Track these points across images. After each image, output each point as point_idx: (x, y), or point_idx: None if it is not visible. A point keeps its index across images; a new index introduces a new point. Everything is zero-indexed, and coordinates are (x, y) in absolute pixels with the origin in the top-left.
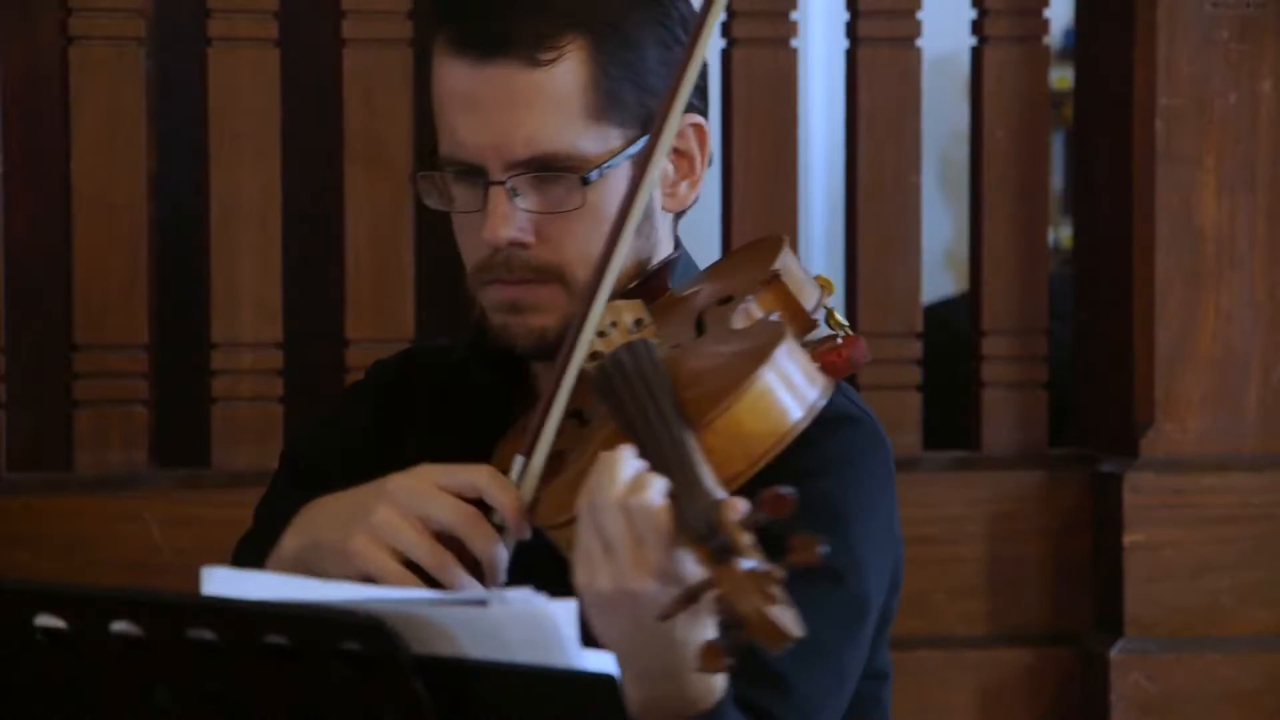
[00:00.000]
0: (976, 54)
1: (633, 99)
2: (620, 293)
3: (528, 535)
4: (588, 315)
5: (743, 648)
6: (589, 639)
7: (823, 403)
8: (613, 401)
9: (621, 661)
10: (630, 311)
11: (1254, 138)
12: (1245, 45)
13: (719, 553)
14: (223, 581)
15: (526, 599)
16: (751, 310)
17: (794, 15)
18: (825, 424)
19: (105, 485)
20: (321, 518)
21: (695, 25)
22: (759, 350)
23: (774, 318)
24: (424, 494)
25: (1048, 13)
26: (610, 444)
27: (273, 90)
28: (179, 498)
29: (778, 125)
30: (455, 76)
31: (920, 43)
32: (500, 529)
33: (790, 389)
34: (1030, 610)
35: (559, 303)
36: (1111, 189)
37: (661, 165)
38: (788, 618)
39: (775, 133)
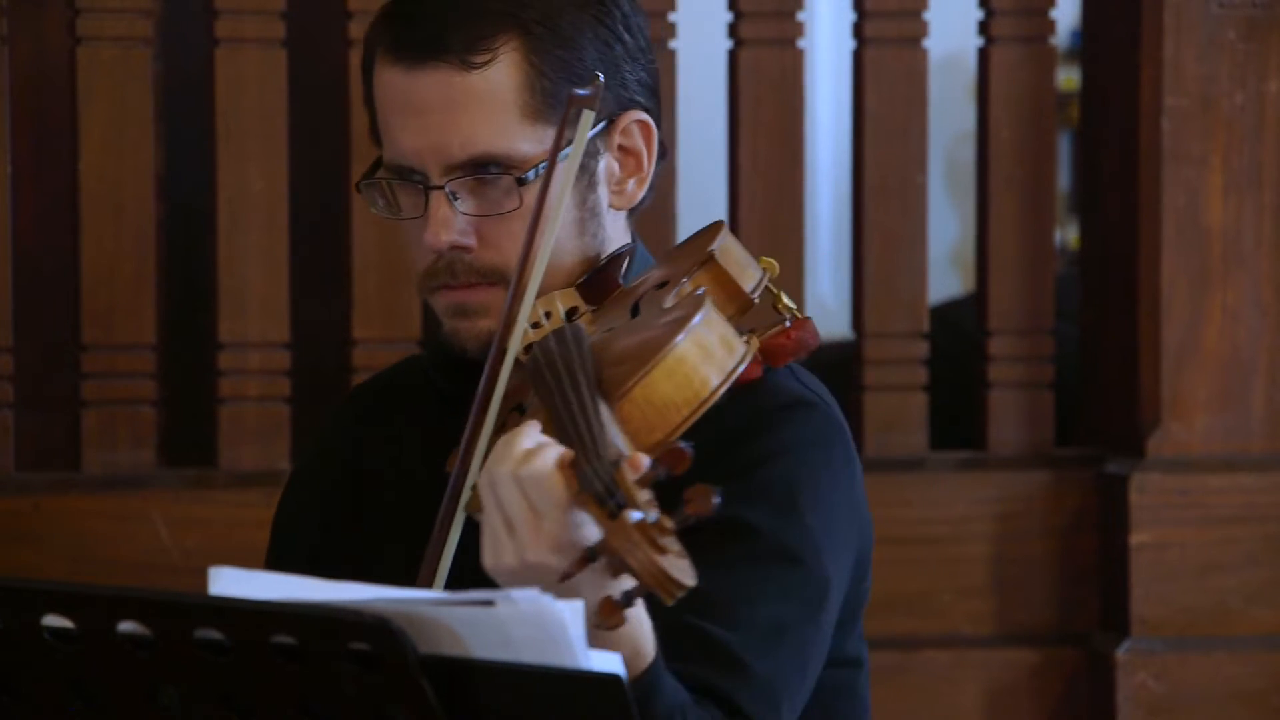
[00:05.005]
0: (983, 54)
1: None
2: (562, 288)
3: None
4: (515, 311)
5: (636, 600)
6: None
7: (742, 369)
8: (540, 387)
9: None
10: (563, 301)
11: (1260, 137)
12: (1251, 45)
13: (615, 511)
14: (230, 581)
15: (533, 599)
16: (684, 291)
17: (800, 16)
18: (780, 409)
19: (113, 485)
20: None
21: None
22: (677, 321)
23: (699, 292)
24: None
25: (1054, 13)
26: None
27: (280, 90)
28: (186, 498)
29: (784, 125)
30: (392, 83)
31: (926, 43)
32: None
33: (708, 357)
34: (1037, 610)
35: (503, 305)
36: (1118, 189)
37: (569, 168)
38: (679, 567)
39: (781, 133)
